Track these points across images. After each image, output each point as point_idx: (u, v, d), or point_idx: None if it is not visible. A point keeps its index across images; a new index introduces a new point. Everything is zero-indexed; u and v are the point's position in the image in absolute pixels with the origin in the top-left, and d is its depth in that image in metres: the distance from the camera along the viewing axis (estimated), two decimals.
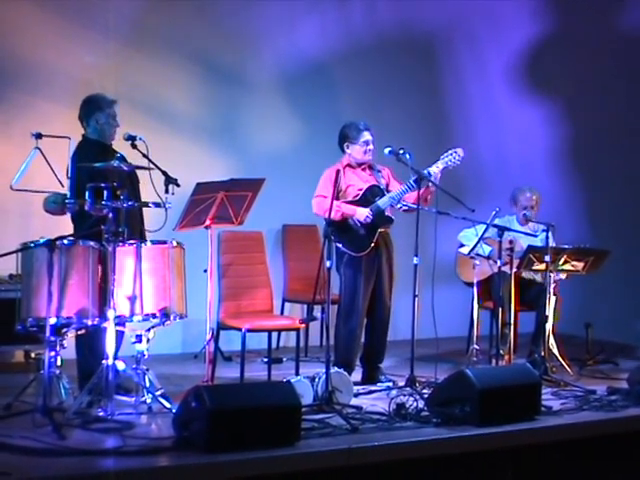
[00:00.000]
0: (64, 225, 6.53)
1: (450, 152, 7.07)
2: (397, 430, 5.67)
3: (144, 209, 6.43)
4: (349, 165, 7.19)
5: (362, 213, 7.01)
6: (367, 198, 7.10)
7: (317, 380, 6.16)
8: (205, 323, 6.74)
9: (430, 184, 6.95)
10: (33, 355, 7.30)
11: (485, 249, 7.63)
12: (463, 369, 6.05)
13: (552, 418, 6.10)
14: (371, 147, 7.14)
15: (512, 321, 7.39)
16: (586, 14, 10.05)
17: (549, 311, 7.39)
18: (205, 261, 6.72)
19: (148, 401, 5.96)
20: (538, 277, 7.86)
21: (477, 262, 7.52)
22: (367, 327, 7.26)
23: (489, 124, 10.02)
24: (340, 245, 6.87)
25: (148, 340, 6.08)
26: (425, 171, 6.93)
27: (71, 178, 6.00)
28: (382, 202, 7.07)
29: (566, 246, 7.61)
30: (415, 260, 6.75)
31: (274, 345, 7.84)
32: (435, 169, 6.99)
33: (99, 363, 5.82)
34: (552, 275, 7.41)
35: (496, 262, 7.27)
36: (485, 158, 9.63)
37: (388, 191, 7.16)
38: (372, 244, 7.03)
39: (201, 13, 8.60)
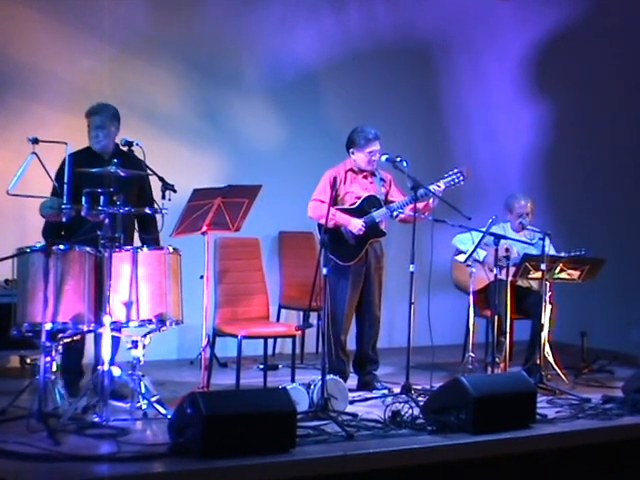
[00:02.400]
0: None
1: (455, 171, 7.05)
2: (392, 437, 5.67)
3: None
4: (352, 170, 7.18)
5: (355, 225, 7.00)
6: (363, 208, 7.09)
7: (313, 387, 6.16)
8: (201, 329, 6.74)
9: (431, 200, 6.94)
10: (29, 360, 7.31)
11: (480, 253, 7.64)
12: (458, 377, 6.04)
13: (547, 426, 6.10)
14: (376, 157, 7.11)
15: (508, 329, 7.38)
16: (584, 16, 10.08)
17: (545, 319, 7.40)
18: (201, 267, 6.72)
19: (143, 407, 5.95)
20: (535, 285, 7.86)
21: (473, 269, 7.53)
22: (357, 335, 7.29)
23: (486, 131, 10.03)
24: (328, 252, 6.85)
25: (144, 346, 6.07)
26: (425, 188, 6.90)
27: (68, 183, 6.00)
28: (377, 214, 7.06)
29: (562, 254, 7.62)
30: (411, 268, 6.74)
31: (270, 352, 7.83)
32: (435, 188, 6.98)
33: (80, 358, 5.78)
34: (547, 283, 7.42)
35: (492, 270, 7.29)
36: (482, 165, 9.62)
37: (387, 200, 7.16)
38: (360, 255, 7.04)
39: (198, 18, 8.61)
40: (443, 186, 7.01)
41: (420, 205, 6.93)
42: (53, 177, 6.25)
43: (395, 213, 7.07)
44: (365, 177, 7.22)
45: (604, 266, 7.60)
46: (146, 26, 8.38)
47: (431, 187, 6.95)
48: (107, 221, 5.89)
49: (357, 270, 7.07)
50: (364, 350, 7.24)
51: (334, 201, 6.82)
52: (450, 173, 7.07)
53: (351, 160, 7.18)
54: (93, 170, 6.03)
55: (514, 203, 8.07)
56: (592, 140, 10.16)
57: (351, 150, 7.16)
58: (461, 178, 7.05)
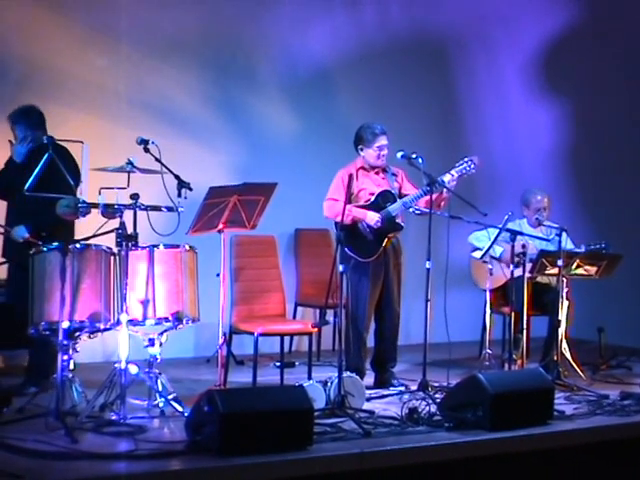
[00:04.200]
0: (78, 228, 6.56)
1: (465, 160, 7.05)
2: (409, 434, 5.66)
3: (158, 213, 6.43)
4: (363, 167, 7.18)
5: (372, 218, 7.00)
6: (378, 203, 7.09)
7: (329, 384, 6.16)
8: (218, 327, 6.74)
9: (445, 191, 6.94)
10: None
11: (497, 250, 7.62)
12: (476, 373, 6.04)
13: (565, 423, 6.09)
14: (385, 152, 7.11)
15: (525, 325, 7.36)
16: (602, 12, 10.06)
17: (562, 315, 7.38)
18: (218, 265, 6.73)
19: (160, 405, 5.98)
20: (554, 281, 7.81)
21: (490, 266, 7.52)
22: (376, 332, 7.27)
23: (502, 127, 10.01)
24: (347, 249, 6.85)
25: (161, 344, 6.10)
26: (439, 179, 6.92)
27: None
28: (393, 208, 7.06)
29: (582, 248, 7.60)
30: (427, 264, 6.74)
31: (286, 349, 7.83)
32: (449, 177, 6.98)
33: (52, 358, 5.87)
34: (564, 279, 7.40)
35: (508, 266, 7.27)
36: (498, 162, 9.62)
37: (401, 195, 7.16)
38: (379, 251, 7.03)
39: (213, 16, 8.60)
40: (456, 175, 7.01)
41: (434, 197, 6.91)
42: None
43: (411, 209, 7.07)
44: (377, 173, 7.22)
45: (621, 262, 7.57)
46: (162, 24, 8.38)
47: (444, 177, 6.95)
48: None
49: (377, 266, 7.06)
50: (384, 347, 7.23)
51: (348, 200, 6.82)
52: (461, 162, 7.07)
53: (361, 158, 7.18)
54: (110, 168, 6.06)
55: (531, 198, 8.06)
56: (609, 137, 10.13)
57: (360, 147, 7.16)
58: (472, 166, 7.05)
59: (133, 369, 5.89)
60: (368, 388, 6.65)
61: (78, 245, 5.84)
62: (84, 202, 5.98)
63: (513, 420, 5.81)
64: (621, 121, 10.11)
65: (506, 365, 7.31)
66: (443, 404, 6.03)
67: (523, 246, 7.36)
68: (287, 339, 7.95)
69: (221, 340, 6.77)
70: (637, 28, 9.98)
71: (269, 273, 7.46)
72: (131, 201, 5.95)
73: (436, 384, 6.88)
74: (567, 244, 7.63)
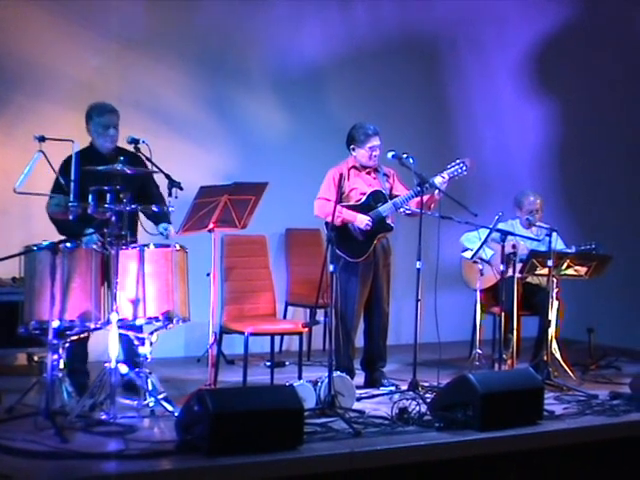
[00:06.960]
0: None
1: (457, 162, 7.07)
2: (399, 434, 5.67)
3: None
4: (354, 167, 7.19)
5: (362, 220, 7.00)
6: (369, 203, 7.09)
7: (320, 384, 6.16)
8: (208, 327, 6.74)
9: (437, 192, 6.95)
10: (36, 358, 7.31)
11: (487, 252, 7.63)
12: (466, 373, 6.04)
13: (554, 423, 6.10)
14: (377, 152, 7.12)
15: (515, 326, 7.37)
16: (592, 10, 10.09)
17: (552, 316, 7.39)
18: (208, 265, 6.72)
19: (151, 404, 5.96)
20: (544, 282, 7.82)
21: (480, 267, 7.53)
22: (365, 332, 7.28)
23: (493, 128, 10.02)
24: (337, 249, 6.85)
25: (151, 343, 6.08)
26: (430, 180, 6.92)
27: (75, 181, 5.98)
28: (384, 209, 7.06)
29: (569, 250, 7.62)
30: (418, 264, 6.75)
31: (277, 349, 7.82)
32: (440, 179, 6.99)
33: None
34: (555, 280, 7.41)
35: (498, 270, 7.28)
36: (489, 162, 9.63)
37: (392, 195, 7.16)
38: (369, 251, 7.03)
39: (205, 15, 8.60)
40: (447, 177, 7.03)
41: (425, 198, 6.92)
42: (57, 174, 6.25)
43: (401, 210, 7.07)
44: (368, 173, 7.22)
45: (611, 262, 7.59)
46: (153, 23, 8.37)
47: (436, 179, 6.96)
48: (114, 219, 5.89)
49: (366, 266, 7.07)
50: (373, 346, 7.24)
51: (340, 198, 6.82)
52: (453, 164, 7.09)
53: (353, 157, 7.19)
54: (100, 168, 6.04)
55: (523, 200, 8.08)
56: (599, 138, 10.15)
57: (352, 147, 7.17)
58: (464, 168, 7.07)
59: (123, 369, 5.89)
60: (358, 388, 6.65)
61: (68, 244, 5.83)
62: (74, 201, 5.97)
63: (503, 420, 5.82)
64: (611, 121, 10.13)
65: (496, 365, 7.32)
66: (433, 404, 6.04)
67: (513, 246, 7.38)
68: (277, 339, 7.94)
69: (211, 340, 6.77)
70: (627, 28, 10.02)
71: (260, 273, 7.45)
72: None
73: (426, 384, 6.89)
74: (558, 244, 7.64)
